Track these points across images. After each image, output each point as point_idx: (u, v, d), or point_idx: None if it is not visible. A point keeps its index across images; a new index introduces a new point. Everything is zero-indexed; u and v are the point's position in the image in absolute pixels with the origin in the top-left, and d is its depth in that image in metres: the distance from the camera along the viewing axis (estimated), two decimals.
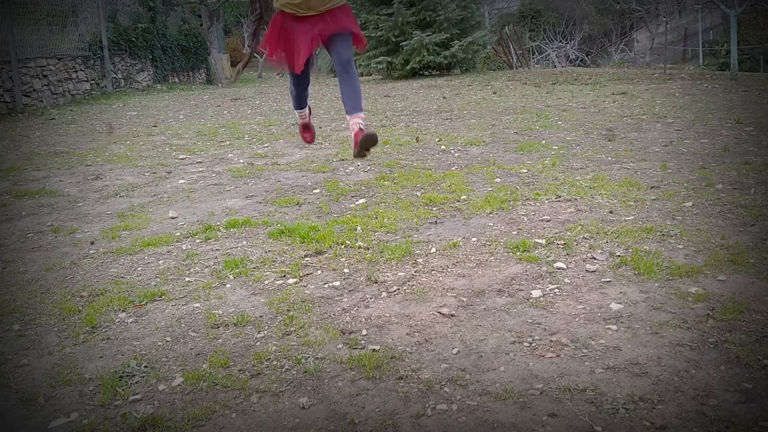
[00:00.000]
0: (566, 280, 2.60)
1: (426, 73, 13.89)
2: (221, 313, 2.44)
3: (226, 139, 6.40)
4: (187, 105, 10.03)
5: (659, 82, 10.73)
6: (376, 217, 3.49)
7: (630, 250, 2.86)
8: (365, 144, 3.66)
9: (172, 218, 3.70)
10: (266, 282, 2.72)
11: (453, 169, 4.63)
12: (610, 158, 4.72)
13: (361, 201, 3.85)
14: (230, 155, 5.54)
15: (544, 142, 5.43)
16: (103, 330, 2.35)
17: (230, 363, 2.08)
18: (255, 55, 4.28)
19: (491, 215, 3.48)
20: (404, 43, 13.07)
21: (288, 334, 2.26)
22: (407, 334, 2.22)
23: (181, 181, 4.61)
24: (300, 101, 4.31)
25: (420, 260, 2.89)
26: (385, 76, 14.08)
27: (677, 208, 3.43)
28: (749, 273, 2.57)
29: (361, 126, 3.72)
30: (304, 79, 4.09)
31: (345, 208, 3.75)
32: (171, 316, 2.44)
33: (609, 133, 5.57)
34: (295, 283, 2.70)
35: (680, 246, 2.89)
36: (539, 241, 3.03)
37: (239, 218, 3.58)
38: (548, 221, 3.33)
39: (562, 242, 2.99)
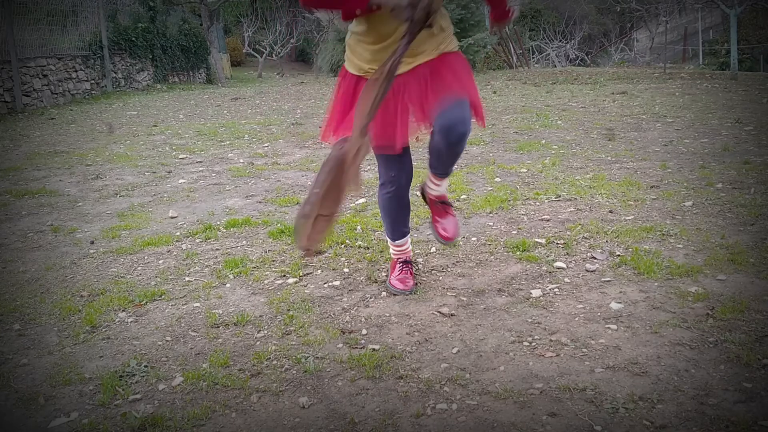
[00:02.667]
0: (566, 279, 2.60)
1: None
2: (221, 312, 2.45)
3: (226, 138, 6.40)
4: (187, 105, 10.03)
5: (659, 81, 10.73)
6: (376, 217, 3.49)
7: (630, 249, 2.86)
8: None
9: (172, 218, 3.70)
10: (266, 281, 2.72)
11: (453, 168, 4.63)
12: (609, 158, 4.72)
13: (361, 201, 3.85)
14: (230, 155, 5.54)
15: (543, 141, 5.43)
16: (103, 330, 2.35)
17: (230, 362, 2.08)
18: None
19: (491, 215, 3.48)
20: None
21: (288, 334, 2.26)
22: (407, 334, 2.22)
23: (181, 181, 4.61)
24: (402, 217, 2.60)
25: (420, 260, 2.89)
26: None
27: (677, 208, 3.43)
28: (749, 272, 2.57)
29: (440, 194, 2.60)
30: (407, 166, 2.52)
31: (345, 207, 3.74)
32: (171, 316, 2.44)
33: (609, 132, 5.57)
34: (295, 282, 2.70)
35: (680, 245, 2.89)
36: (539, 240, 3.03)
37: (239, 218, 3.58)
38: (548, 221, 3.33)
39: (562, 242, 3.00)
